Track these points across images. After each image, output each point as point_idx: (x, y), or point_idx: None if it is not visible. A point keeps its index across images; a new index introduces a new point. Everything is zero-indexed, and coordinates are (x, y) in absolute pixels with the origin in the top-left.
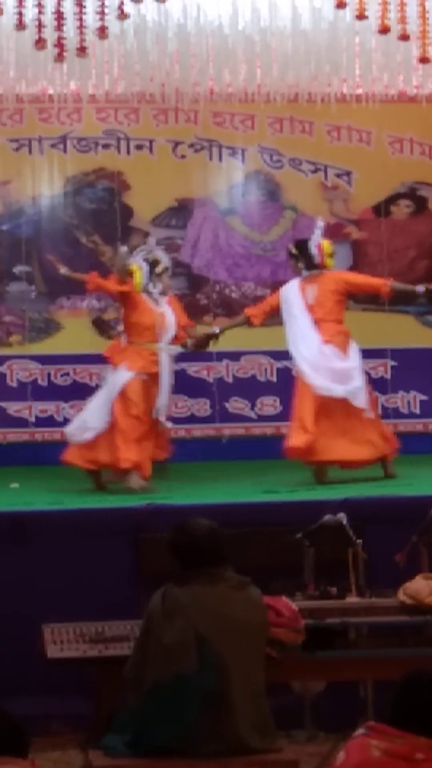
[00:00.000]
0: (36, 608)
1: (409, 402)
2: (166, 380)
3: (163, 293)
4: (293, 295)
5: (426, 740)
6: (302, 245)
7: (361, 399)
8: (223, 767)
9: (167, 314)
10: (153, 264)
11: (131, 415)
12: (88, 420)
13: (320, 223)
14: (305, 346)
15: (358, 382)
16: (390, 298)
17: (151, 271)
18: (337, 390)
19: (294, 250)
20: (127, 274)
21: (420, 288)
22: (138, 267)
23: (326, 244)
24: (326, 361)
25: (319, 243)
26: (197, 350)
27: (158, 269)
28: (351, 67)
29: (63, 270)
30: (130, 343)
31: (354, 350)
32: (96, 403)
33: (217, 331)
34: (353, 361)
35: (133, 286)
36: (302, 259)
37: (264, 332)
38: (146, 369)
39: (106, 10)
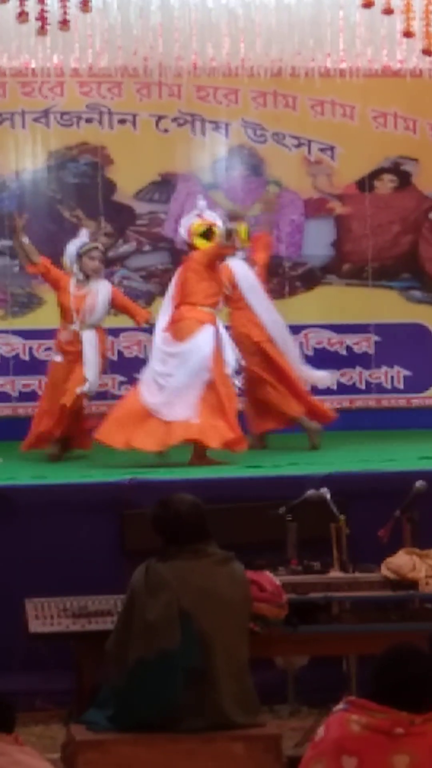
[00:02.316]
0: (19, 583)
1: (392, 377)
2: (89, 358)
3: (87, 276)
4: (246, 275)
5: (406, 714)
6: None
7: None
8: (207, 742)
9: (91, 295)
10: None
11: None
12: None
13: (201, 203)
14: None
15: None
16: None
17: (77, 254)
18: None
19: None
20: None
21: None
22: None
23: (242, 228)
24: None
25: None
26: None
27: (81, 250)
28: (335, 41)
29: (23, 238)
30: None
31: None
32: None
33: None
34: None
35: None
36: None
37: None
38: (63, 349)
39: None
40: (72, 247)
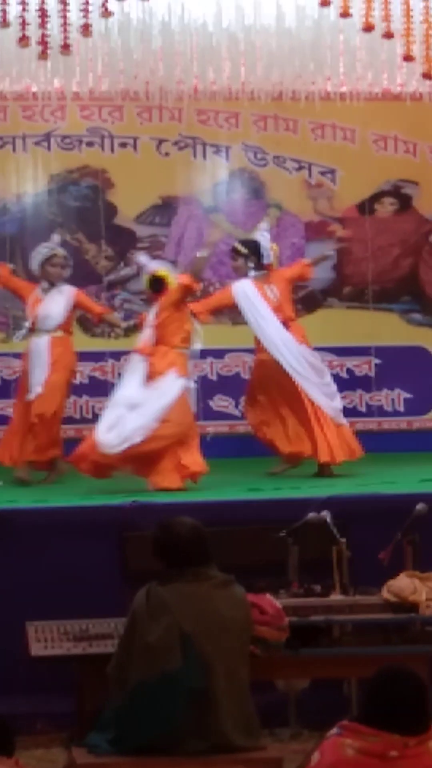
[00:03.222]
0: (20, 606)
1: (393, 400)
2: (34, 363)
3: (51, 283)
4: (253, 295)
5: (399, 737)
6: (252, 244)
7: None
8: (208, 765)
9: (47, 302)
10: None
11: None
12: None
13: (264, 225)
14: (289, 352)
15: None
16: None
17: (40, 263)
18: (330, 411)
19: (244, 249)
20: None
21: (331, 250)
22: None
23: (275, 246)
24: (314, 374)
25: (271, 245)
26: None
27: (43, 258)
28: (335, 65)
29: None
30: None
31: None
32: None
33: None
34: (328, 374)
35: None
36: (252, 258)
37: (247, 330)
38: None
39: (90, 8)
40: (36, 256)
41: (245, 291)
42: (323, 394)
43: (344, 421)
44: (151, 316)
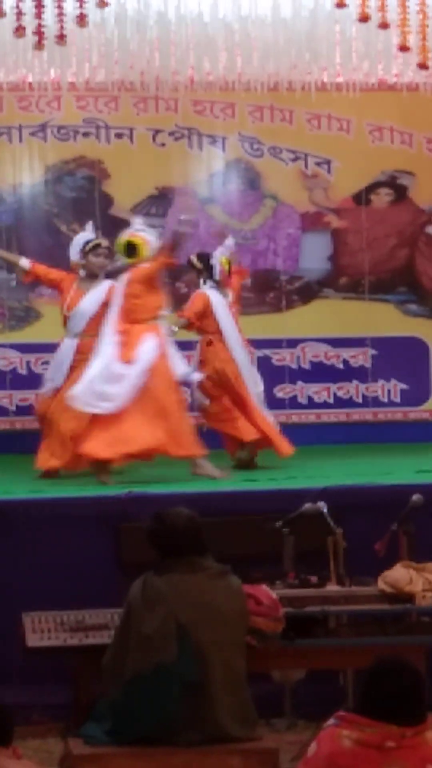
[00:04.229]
0: (15, 597)
1: (389, 390)
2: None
3: (90, 275)
4: (221, 304)
5: (396, 728)
6: (205, 258)
7: None
8: (204, 755)
9: (83, 299)
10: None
11: None
12: None
13: (230, 241)
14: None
15: None
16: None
17: (83, 251)
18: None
19: (198, 264)
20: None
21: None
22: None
23: (225, 260)
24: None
25: (222, 259)
26: None
27: (87, 247)
28: (331, 55)
29: None
30: None
31: None
32: None
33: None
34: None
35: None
36: (204, 273)
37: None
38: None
39: None
40: (79, 241)
41: (216, 299)
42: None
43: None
44: (119, 286)
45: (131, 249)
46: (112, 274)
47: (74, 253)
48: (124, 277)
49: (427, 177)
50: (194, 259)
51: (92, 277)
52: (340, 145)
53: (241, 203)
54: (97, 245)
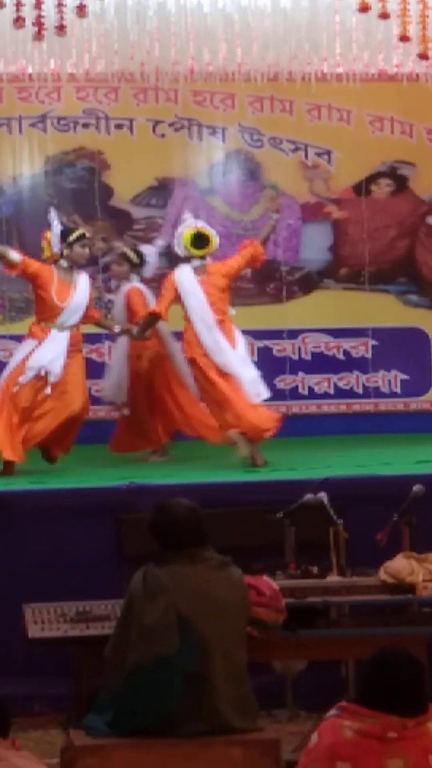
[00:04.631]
0: (17, 588)
1: (390, 381)
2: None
3: (71, 265)
4: (191, 281)
5: (398, 719)
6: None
7: None
8: (205, 746)
9: (75, 292)
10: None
11: None
12: None
13: (161, 242)
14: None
15: None
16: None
17: (66, 240)
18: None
19: (134, 258)
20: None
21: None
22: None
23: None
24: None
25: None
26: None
27: (71, 238)
28: (331, 45)
29: None
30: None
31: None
32: None
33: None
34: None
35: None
36: (136, 269)
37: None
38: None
39: None
40: (57, 230)
41: (185, 277)
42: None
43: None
44: (191, 277)
45: (203, 241)
46: (110, 266)
47: (55, 243)
48: (202, 269)
49: (427, 167)
50: (129, 252)
51: (71, 267)
52: (340, 136)
53: (241, 194)
54: (82, 235)
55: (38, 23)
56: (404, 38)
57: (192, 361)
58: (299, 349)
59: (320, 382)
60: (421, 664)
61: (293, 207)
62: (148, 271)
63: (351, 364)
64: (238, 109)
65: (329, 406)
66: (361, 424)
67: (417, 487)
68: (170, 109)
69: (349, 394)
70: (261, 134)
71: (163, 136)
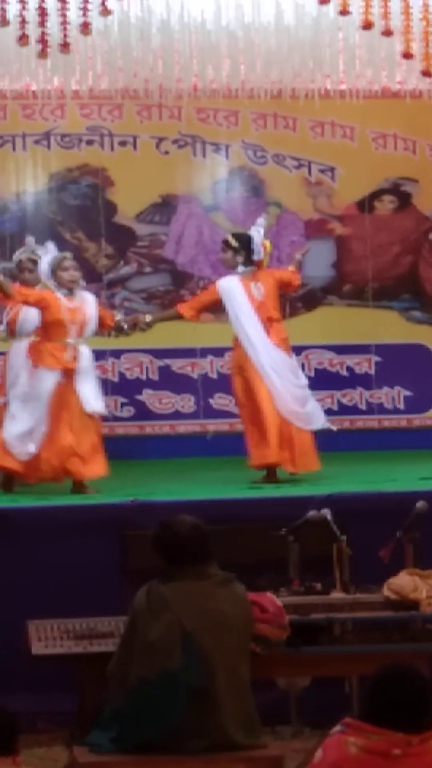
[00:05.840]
0: (21, 604)
1: (393, 398)
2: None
3: (68, 288)
4: (237, 291)
5: (402, 735)
6: (244, 238)
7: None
8: (209, 763)
9: (84, 307)
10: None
11: None
12: None
13: (261, 221)
14: (265, 353)
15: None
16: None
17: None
18: (299, 421)
19: (235, 243)
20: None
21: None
22: None
23: (268, 243)
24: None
25: (263, 241)
26: (120, 334)
27: (53, 264)
28: (334, 62)
29: None
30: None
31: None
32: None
33: (148, 319)
34: (303, 377)
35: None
36: (241, 252)
37: None
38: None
39: (89, 6)
40: (44, 264)
41: (230, 287)
42: (292, 398)
43: (312, 426)
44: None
45: (261, 252)
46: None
47: (44, 275)
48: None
49: (430, 184)
50: (231, 238)
51: (70, 291)
52: (343, 153)
53: (244, 211)
54: (63, 258)
55: (42, 41)
56: (407, 55)
57: None
58: (303, 365)
59: (324, 398)
60: (426, 680)
61: (297, 224)
62: (258, 253)
63: (354, 380)
64: (241, 126)
65: (333, 423)
66: (365, 440)
67: (420, 504)
68: (174, 126)
69: (353, 410)
70: (264, 151)
71: (166, 153)
